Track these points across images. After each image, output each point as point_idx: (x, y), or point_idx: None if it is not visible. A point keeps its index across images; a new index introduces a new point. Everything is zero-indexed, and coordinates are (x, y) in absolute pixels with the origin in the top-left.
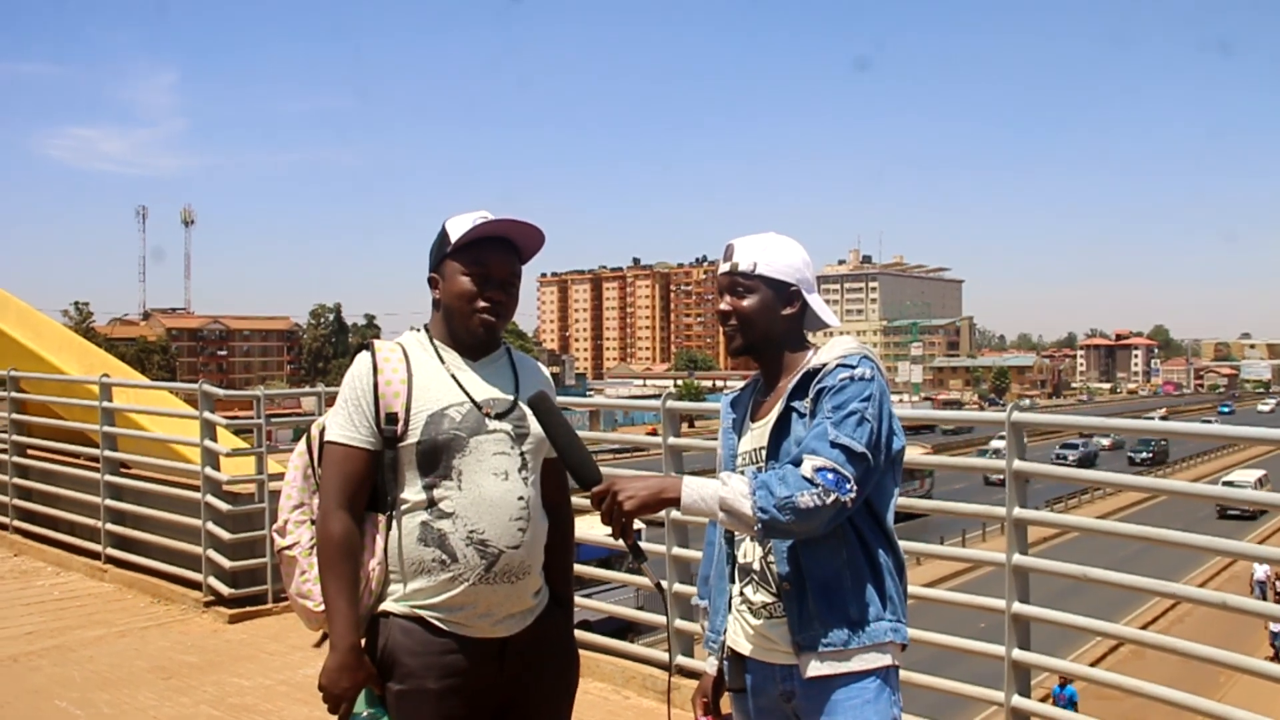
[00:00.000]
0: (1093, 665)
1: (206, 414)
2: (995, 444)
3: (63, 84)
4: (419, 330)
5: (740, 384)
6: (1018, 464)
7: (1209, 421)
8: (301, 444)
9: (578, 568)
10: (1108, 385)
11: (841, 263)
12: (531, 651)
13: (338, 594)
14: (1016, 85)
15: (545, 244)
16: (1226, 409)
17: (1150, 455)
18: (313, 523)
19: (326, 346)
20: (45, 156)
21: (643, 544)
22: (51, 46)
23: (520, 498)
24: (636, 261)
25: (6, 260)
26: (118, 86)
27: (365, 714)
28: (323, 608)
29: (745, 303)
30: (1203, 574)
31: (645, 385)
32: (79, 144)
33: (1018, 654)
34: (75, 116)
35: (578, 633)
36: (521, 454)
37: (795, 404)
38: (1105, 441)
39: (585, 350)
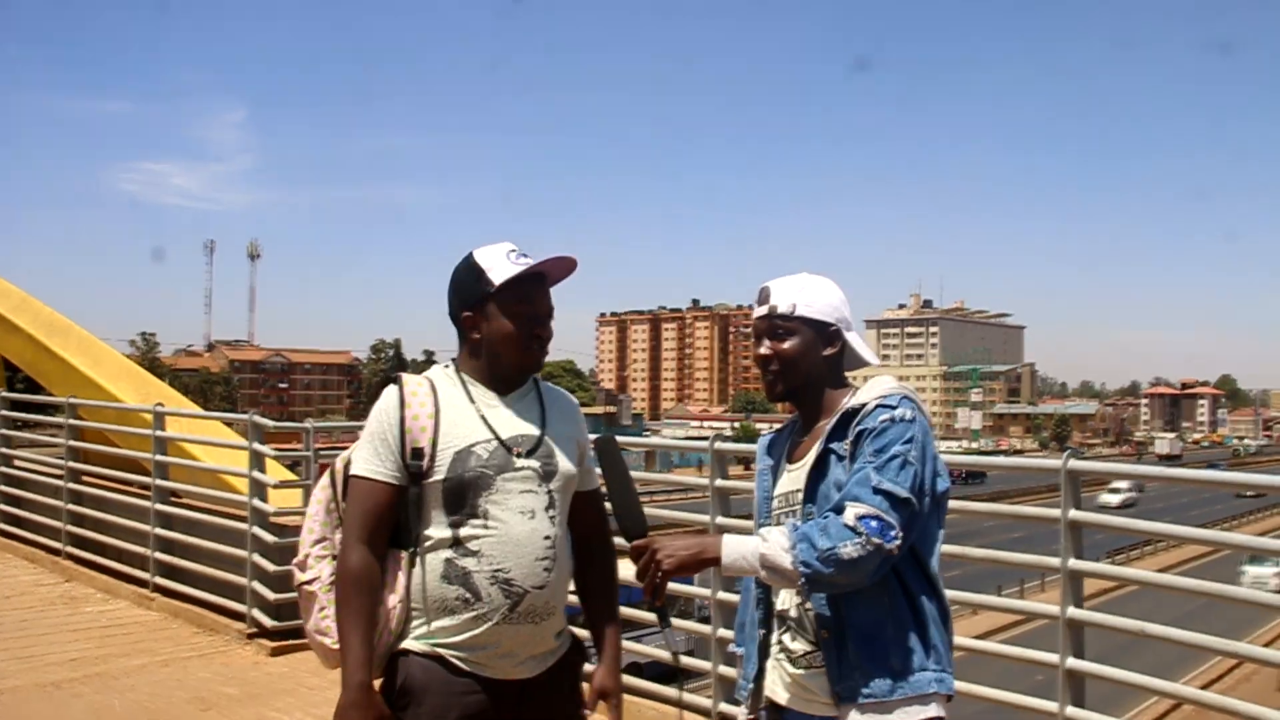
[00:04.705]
0: None
1: (255, 445)
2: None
3: (137, 120)
4: (447, 366)
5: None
6: (1073, 514)
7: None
8: (325, 477)
9: (625, 610)
10: (1172, 435)
11: (902, 307)
12: (550, 695)
13: (351, 629)
14: (1082, 133)
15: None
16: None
17: None
18: (334, 558)
19: (386, 381)
20: (119, 190)
21: (690, 587)
22: (128, 84)
23: (546, 537)
24: (696, 302)
25: (79, 290)
26: (189, 123)
27: None
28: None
29: (787, 345)
30: (1270, 632)
31: (702, 427)
32: (151, 178)
33: (1071, 711)
34: (148, 151)
35: (625, 678)
36: (549, 492)
37: (834, 445)
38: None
39: (643, 390)
